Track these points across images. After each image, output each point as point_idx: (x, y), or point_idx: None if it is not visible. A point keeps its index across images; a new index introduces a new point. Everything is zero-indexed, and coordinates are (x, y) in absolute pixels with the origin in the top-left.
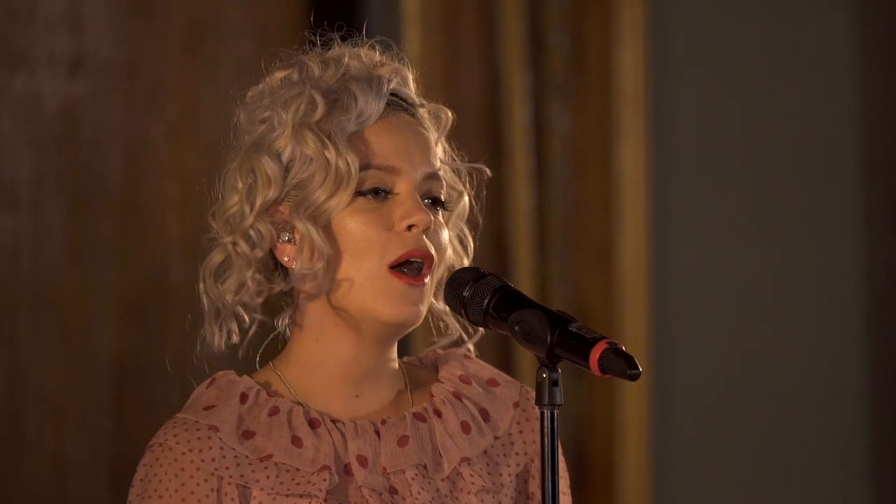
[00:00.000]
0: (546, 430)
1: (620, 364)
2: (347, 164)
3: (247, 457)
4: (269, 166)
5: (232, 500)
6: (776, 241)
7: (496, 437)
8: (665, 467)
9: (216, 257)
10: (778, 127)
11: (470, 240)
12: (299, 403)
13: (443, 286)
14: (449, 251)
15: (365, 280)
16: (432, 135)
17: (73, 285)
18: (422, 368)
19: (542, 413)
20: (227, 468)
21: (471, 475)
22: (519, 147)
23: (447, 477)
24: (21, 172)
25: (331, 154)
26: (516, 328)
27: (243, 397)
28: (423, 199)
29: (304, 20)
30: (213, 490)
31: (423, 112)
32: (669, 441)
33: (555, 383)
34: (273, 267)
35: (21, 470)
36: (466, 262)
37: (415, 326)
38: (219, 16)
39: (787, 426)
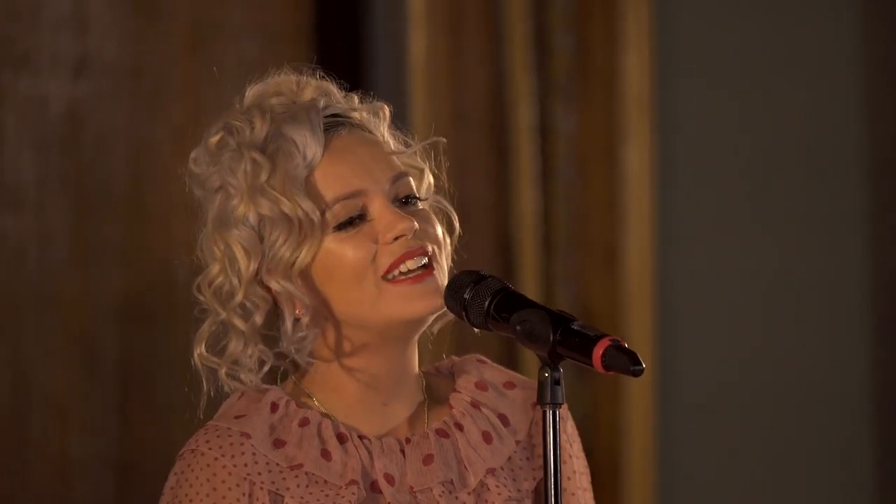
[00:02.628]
0: (549, 429)
1: (623, 360)
2: (306, 213)
3: (278, 464)
4: (242, 238)
5: None
6: (781, 242)
7: (517, 442)
8: (670, 467)
9: (207, 329)
10: (782, 128)
11: (452, 212)
12: (326, 416)
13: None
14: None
15: (370, 299)
16: (378, 134)
17: (77, 287)
18: (439, 377)
19: (544, 412)
20: (260, 474)
21: (496, 486)
22: (524, 148)
23: (473, 490)
24: (25, 174)
25: (286, 208)
26: (518, 328)
27: (274, 406)
28: (398, 202)
29: (310, 22)
30: (244, 494)
31: (359, 115)
32: (674, 441)
33: (557, 382)
34: (275, 319)
35: (26, 471)
36: (440, 230)
37: (438, 312)
38: (223, 17)
39: (791, 426)
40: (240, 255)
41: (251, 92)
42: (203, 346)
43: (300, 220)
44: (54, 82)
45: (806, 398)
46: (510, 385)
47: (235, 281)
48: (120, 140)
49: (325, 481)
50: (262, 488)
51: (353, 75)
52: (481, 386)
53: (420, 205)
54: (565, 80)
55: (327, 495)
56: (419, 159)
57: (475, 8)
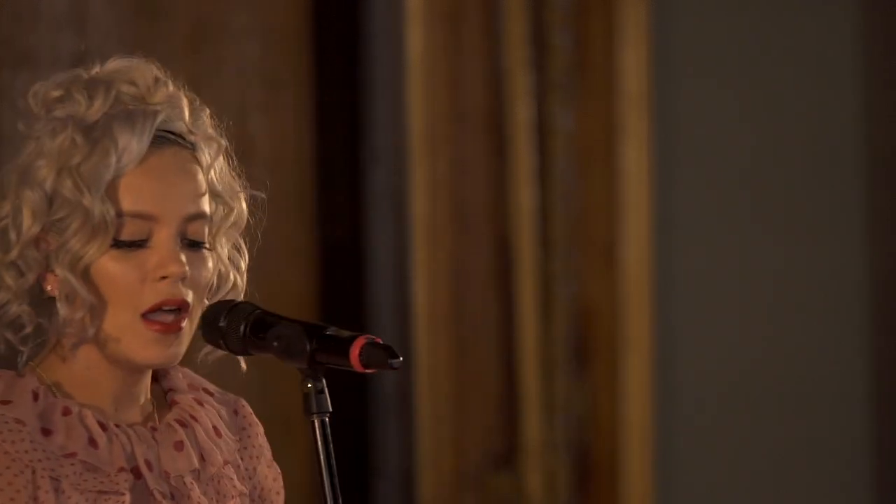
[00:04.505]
0: (320, 438)
1: (381, 355)
2: (102, 214)
3: (53, 452)
4: (32, 200)
5: (46, 492)
6: (780, 240)
7: (236, 441)
8: (669, 467)
9: None
10: (781, 125)
11: (244, 254)
12: (84, 405)
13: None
14: (220, 271)
15: (118, 329)
16: (202, 163)
17: None
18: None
19: (312, 422)
20: (40, 461)
21: (230, 479)
22: (522, 146)
23: (212, 480)
24: None
25: (87, 201)
26: (275, 344)
27: (35, 395)
28: (184, 240)
29: (309, 20)
30: (28, 482)
31: (196, 139)
32: (673, 441)
33: (321, 392)
34: (39, 292)
35: None
36: (235, 277)
37: (169, 366)
38: (223, 17)
39: (791, 425)
40: (26, 214)
41: (111, 65)
42: None
43: (94, 219)
44: None
45: (806, 397)
46: (208, 391)
47: (14, 236)
48: None
49: (98, 468)
50: (43, 476)
51: (352, 73)
52: (193, 387)
53: (205, 252)
54: (564, 77)
55: (101, 482)
56: (237, 198)
57: (473, 6)
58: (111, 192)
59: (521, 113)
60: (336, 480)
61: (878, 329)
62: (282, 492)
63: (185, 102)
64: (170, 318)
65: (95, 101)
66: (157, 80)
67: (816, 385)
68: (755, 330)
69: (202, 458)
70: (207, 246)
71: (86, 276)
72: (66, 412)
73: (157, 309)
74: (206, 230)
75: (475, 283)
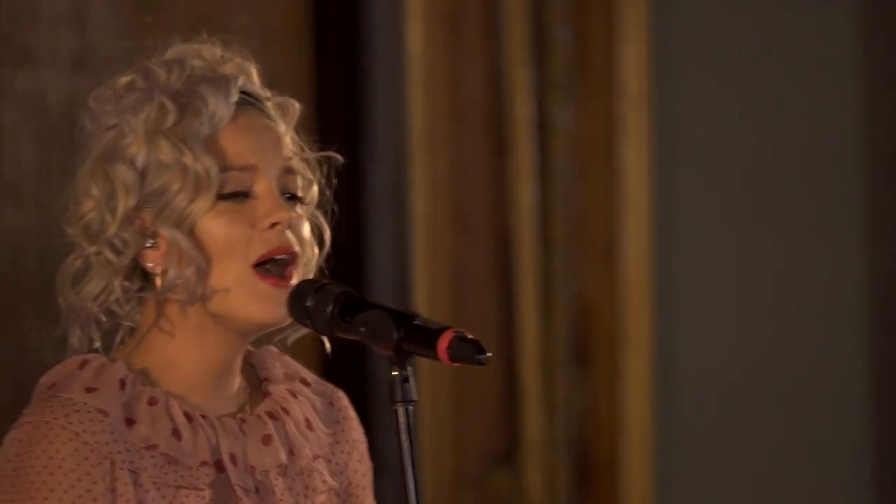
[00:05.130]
0: (403, 427)
1: (469, 350)
2: (206, 168)
3: (134, 444)
4: (124, 174)
5: (125, 484)
6: (780, 240)
7: (330, 435)
8: (668, 465)
9: (75, 263)
10: (782, 124)
11: (326, 227)
12: (170, 395)
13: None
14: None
15: (232, 283)
16: (281, 127)
17: None
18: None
19: (396, 410)
20: (120, 453)
21: (320, 473)
22: (522, 144)
23: (300, 475)
24: (25, 167)
25: (188, 159)
26: (362, 330)
27: (122, 384)
28: (281, 196)
29: (309, 17)
30: (106, 474)
31: (270, 105)
32: (673, 439)
33: (406, 380)
34: (133, 271)
35: None
36: (315, 251)
37: (280, 324)
38: (223, 16)
39: (791, 425)
40: (120, 190)
41: (174, 49)
42: (68, 284)
43: (197, 175)
44: (54, 76)
45: (805, 397)
46: (306, 381)
47: (109, 217)
48: None
49: (179, 461)
50: (122, 468)
51: (352, 71)
52: (289, 377)
53: (299, 209)
54: (563, 75)
55: (182, 475)
56: (311, 170)
57: (473, 5)
58: (210, 149)
59: (522, 112)
60: (417, 471)
61: (878, 329)
62: (369, 487)
63: (254, 71)
64: (280, 270)
65: (174, 72)
66: (222, 55)
67: (816, 385)
68: (755, 330)
69: (291, 453)
70: (305, 201)
71: (192, 234)
72: (153, 402)
73: (268, 259)
74: (300, 186)
75: (475, 283)
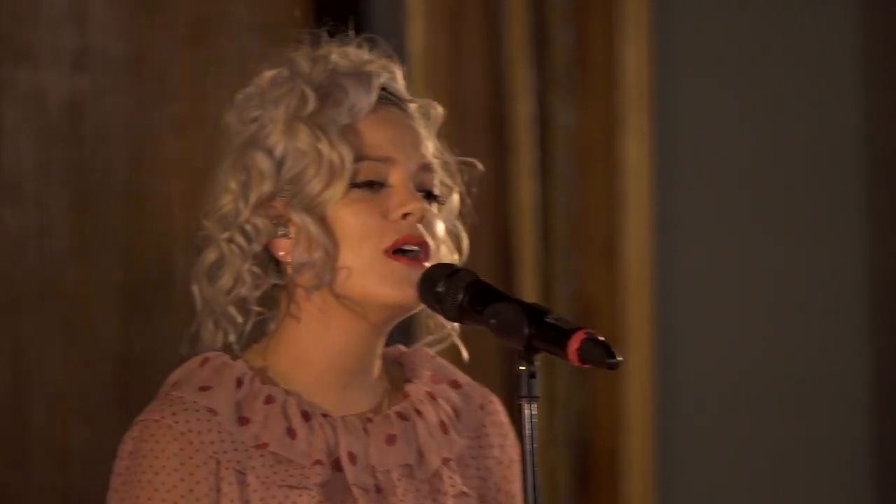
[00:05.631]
0: (526, 423)
1: (599, 353)
2: (341, 156)
3: (243, 443)
4: (262, 161)
5: (230, 484)
6: (780, 238)
7: (469, 438)
8: (669, 464)
9: (210, 256)
10: (782, 123)
11: (464, 235)
12: (290, 394)
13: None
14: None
15: (364, 266)
16: (422, 129)
17: (77, 279)
18: (389, 364)
19: (520, 405)
20: (226, 452)
21: (450, 477)
22: (523, 143)
23: (427, 478)
24: (25, 167)
25: (324, 146)
26: (493, 321)
27: (239, 382)
28: (419, 190)
29: (310, 14)
30: (210, 473)
31: (412, 107)
32: (673, 438)
33: (532, 375)
34: (267, 263)
35: (26, 463)
36: (457, 258)
37: (415, 311)
38: (224, 10)
39: (791, 425)
40: (255, 176)
41: (317, 49)
42: (205, 278)
43: (331, 163)
44: (54, 76)
45: (805, 397)
46: (456, 384)
47: (242, 204)
48: (120, 133)
49: (290, 461)
50: (227, 467)
51: None
52: (435, 379)
53: (434, 209)
54: (564, 73)
55: (292, 475)
56: (453, 178)
57: (474, 3)
58: (347, 138)
59: (522, 109)
60: (537, 468)
61: (878, 329)
62: (514, 491)
63: (398, 72)
64: (413, 255)
65: (318, 65)
66: (368, 58)
67: (816, 385)
68: (755, 330)
69: (420, 455)
70: (441, 199)
71: (323, 220)
72: (270, 400)
73: (398, 246)
74: (437, 184)
75: None
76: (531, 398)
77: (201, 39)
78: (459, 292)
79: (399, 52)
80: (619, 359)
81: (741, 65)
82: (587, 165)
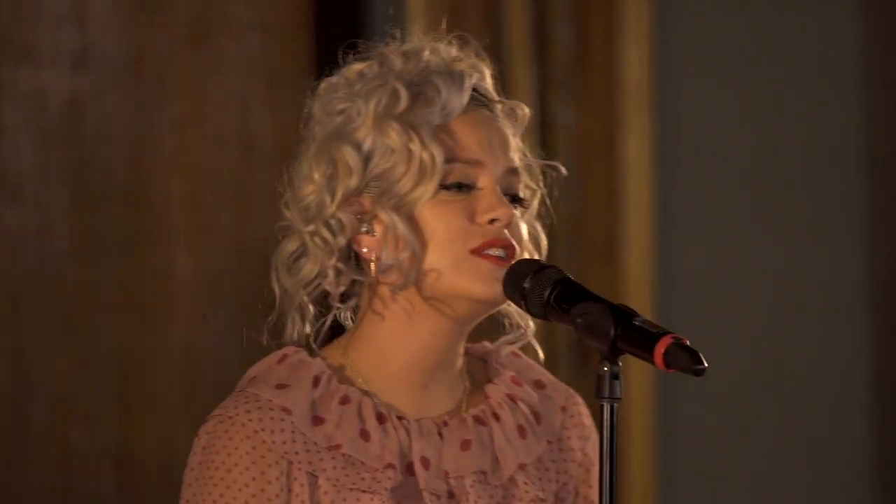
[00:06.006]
0: (606, 424)
1: (686, 359)
2: (432, 156)
3: (315, 443)
4: (349, 155)
5: (301, 485)
6: (781, 238)
7: (549, 442)
8: (670, 461)
9: (290, 246)
10: (783, 122)
11: (543, 236)
12: (367, 394)
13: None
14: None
15: (450, 266)
16: (509, 130)
17: (77, 279)
18: (472, 360)
19: (601, 406)
20: (297, 453)
21: (525, 483)
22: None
23: (502, 484)
24: (26, 167)
25: (415, 146)
26: (579, 320)
27: (315, 381)
28: (505, 194)
29: (310, 14)
30: (282, 474)
31: (500, 109)
32: (673, 437)
33: (615, 377)
34: (347, 258)
35: (26, 462)
36: (526, 238)
37: (500, 306)
38: (224, 9)
39: (791, 425)
40: (343, 170)
41: (408, 44)
42: (284, 268)
43: (422, 162)
44: (54, 75)
45: (805, 397)
46: (541, 384)
47: (328, 198)
48: (120, 133)
49: (363, 463)
50: (299, 468)
51: None
52: (517, 381)
53: (518, 212)
54: (565, 73)
55: (363, 478)
56: (534, 180)
57: (474, 2)
58: (438, 138)
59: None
60: (615, 470)
61: (878, 329)
62: (592, 494)
63: (487, 73)
64: (499, 254)
65: (410, 61)
66: (456, 55)
67: (816, 385)
68: (755, 330)
69: (496, 461)
70: (526, 203)
71: (410, 219)
72: (345, 400)
73: (484, 249)
74: (522, 187)
75: None
76: (613, 399)
77: (201, 39)
78: (546, 289)
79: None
80: (706, 365)
81: (741, 65)
82: (588, 164)
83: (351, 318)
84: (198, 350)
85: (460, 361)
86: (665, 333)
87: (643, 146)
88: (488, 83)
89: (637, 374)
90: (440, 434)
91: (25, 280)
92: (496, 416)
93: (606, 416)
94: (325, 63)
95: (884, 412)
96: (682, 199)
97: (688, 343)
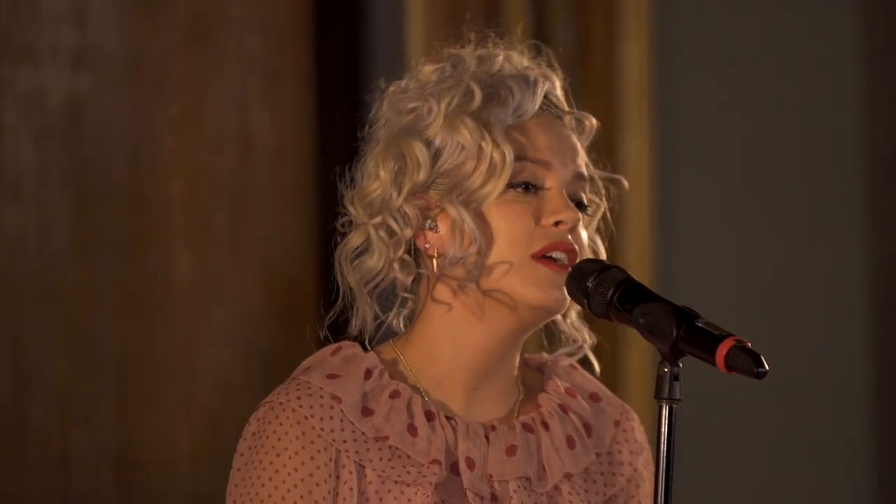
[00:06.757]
0: (665, 425)
1: (748, 362)
2: (503, 154)
3: (363, 434)
4: (418, 150)
5: (350, 472)
6: (781, 237)
7: (597, 454)
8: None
9: (355, 240)
10: (783, 121)
11: (601, 248)
12: (418, 391)
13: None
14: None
15: (510, 268)
16: (577, 141)
17: (77, 279)
18: (528, 370)
19: (660, 407)
20: (345, 442)
21: (569, 493)
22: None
23: (546, 492)
24: (25, 166)
25: (486, 143)
26: (641, 321)
27: (367, 374)
28: (571, 198)
29: (310, 14)
30: (330, 460)
31: (568, 119)
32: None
33: (675, 378)
34: (408, 253)
35: (25, 463)
36: (587, 243)
37: (558, 314)
38: (224, 9)
39: (791, 425)
40: (411, 164)
41: (487, 48)
42: (348, 262)
43: (493, 160)
44: (54, 75)
45: (805, 397)
46: (596, 397)
47: (395, 192)
48: (120, 132)
49: (409, 457)
50: (347, 457)
51: (353, 67)
52: (571, 392)
53: (583, 219)
54: (565, 72)
55: (409, 472)
56: (597, 192)
57: (474, 1)
58: (510, 137)
59: None
60: (672, 471)
61: (877, 329)
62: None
63: (558, 82)
64: (560, 261)
65: (484, 64)
66: (528, 65)
67: (816, 385)
68: (755, 325)
69: (541, 468)
70: (589, 211)
71: (479, 215)
72: (395, 395)
73: (546, 252)
74: (587, 194)
75: None
76: (672, 400)
77: (201, 39)
78: (610, 289)
79: (399, 51)
80: (767, 368)
81: (741, 64)
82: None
83: (403, 325)
84: (198, 350)
85: (515, 370)
86: (727, 336)
87: (643, 144)
88: (559, 93)
89: (637, 374)
90: (487, 437)
91: (25, 280)
92: (545, 425)
93: (665, 416)
94: (325, 63)
95: (884, 412)
96: (682, 199)
97: (749, 346)
